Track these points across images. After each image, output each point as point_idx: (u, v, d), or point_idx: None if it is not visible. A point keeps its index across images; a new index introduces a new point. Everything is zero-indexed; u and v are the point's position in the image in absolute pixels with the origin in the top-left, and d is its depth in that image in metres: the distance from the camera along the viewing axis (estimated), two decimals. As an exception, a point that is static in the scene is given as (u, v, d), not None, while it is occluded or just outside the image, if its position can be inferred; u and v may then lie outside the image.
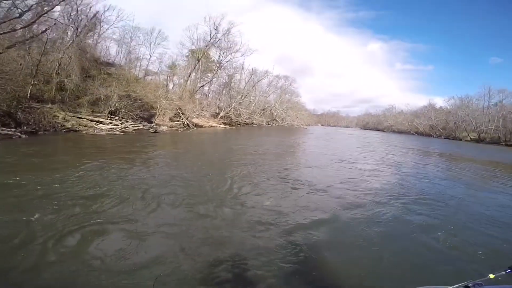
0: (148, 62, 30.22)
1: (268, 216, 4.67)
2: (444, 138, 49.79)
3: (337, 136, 34.31)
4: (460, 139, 46.69)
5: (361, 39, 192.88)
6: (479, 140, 43.78)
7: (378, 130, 70.02)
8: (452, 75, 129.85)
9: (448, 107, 55.81)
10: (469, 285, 0.88)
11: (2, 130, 10.45)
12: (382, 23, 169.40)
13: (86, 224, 3.74)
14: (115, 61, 24.26)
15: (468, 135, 47.08)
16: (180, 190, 5.84)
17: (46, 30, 13.11)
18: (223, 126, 31.17)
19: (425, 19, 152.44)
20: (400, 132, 63.30)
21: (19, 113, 12.11)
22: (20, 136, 10.93)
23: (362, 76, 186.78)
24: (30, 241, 3.21)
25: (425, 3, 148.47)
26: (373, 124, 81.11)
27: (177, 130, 22.15)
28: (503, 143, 39.50)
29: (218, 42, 32.50)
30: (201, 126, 27.07)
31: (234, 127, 32.50)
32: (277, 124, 44.52)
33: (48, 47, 14.30)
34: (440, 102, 75.23)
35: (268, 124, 42.86)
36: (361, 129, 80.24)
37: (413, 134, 58.36)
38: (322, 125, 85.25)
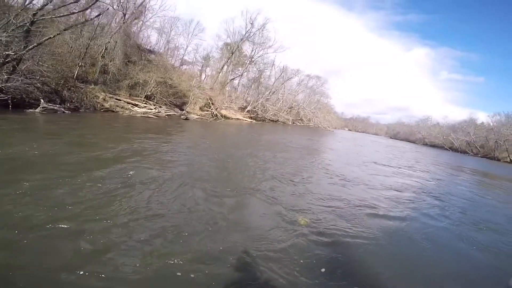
0: (185, 52, 31.22)
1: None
2: (481, 157, 46.48)
3: (365, 142, 33.51)
4: (499, 160, 43.31)
5: (406, 43, 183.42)
6: (520, 162, 40.39)
7: (409, 141, 66.75)
8: (505, 90, 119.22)
9: (491, 124, 51.40)
10: None
11: (49, 105, 11.30)
12: (432, 28, 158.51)
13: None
14: (155, 49, 25.32)
15: (508, 156, 43.49)
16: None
17: (100, 14, 13.97)
18: (249, 120, 31.50)
19: (482, 26, 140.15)
20: (433, 145, 59.88)
21: (65, 91, 13.05)
22: (64, 112, 11.84)
23: (400, 82, 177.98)
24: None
25: (484, 9, 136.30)
26: (404, 134, 77.24)
27: (207, 119, 22.88)
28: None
29: (253, 36, 32.66)
30: (228, 118, 27.55)
31: (259, 122, 32.79)
32: (302, 124, 43.97)
33: (97, 32, 15.27)
34: (482, 117, 69.94)
35: (294, 123, 42.41)
36: (391, 138, 76.96)
37: (447, 149, 55.03)
38: (349, 130, 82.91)
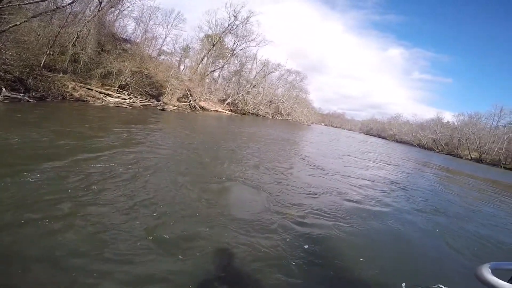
0: (163, 42, 30.09)
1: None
2: (446, 154, 49.89)
3: (341, 137, 34.82)
4: (461, 157, 46.79)
5: (382, 43, 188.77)
6: (479, 160, 43.91)
7: (381, 137, 69.95)
8: (470, 92, 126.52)
9: (456, 123, 55.23)
10: None
11: (11, 93, 10.66)
12: (408, 29, 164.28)
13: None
14: (131, 38, 24.23)
15: (469, 153, 47.10)
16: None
17: (73, 2, 13.06)
18: (229, 112, 31.40)
19: (456, 29, 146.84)
20: (403, 142, 63.30)
21: (30, 80, 12.25)
22: (28, 101, 11.15)
23: (375, 81, 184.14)
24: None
25: (460, 14, 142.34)
26: (377, 130, 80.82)
27: (184, 110, 22.52)
28: (502, 166, 39.80)
29: (235, 29, 32.27)
30: (207, 110, 27.28)
31: (239, 115, 32.77)
32: (281, 118, 44.53)
33: (69, 20, 14.31)
34: (448, 117, 74.64)
35: (273, 116, 42.84)
36: (364, 134, 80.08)
37: (415, 146, 58.39)
38: (326, 125, 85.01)
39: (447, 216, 6.02)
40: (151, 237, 2.88)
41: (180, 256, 2.68)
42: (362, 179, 8.20)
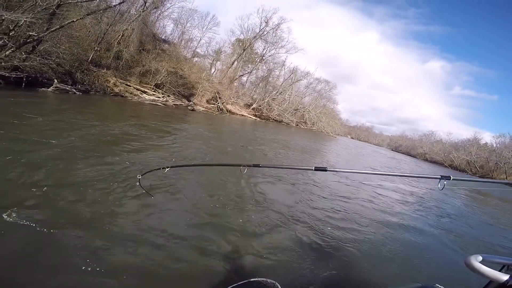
0: (198, 44, 31.15)
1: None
2: (479, 176, 46.55)
3: (367, 151, 33.95)
4: (496, 182, 43.33)
5: (423, 54, 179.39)
6: (517, 186, 40.44)
7: (410, 155, 66.65)
8: None
9: (495, 145, 51.13)
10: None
11: (61, 85, 11.60)
12: (453, 41, 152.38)
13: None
14: (169, 39, 25.36)
15: (506, 177, 43.58)
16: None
17: (123, 1, 14.11)
18: (254, 117, 31.67)
19: (506, 42, 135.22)
20: (433, 161, 59.89)
21: (78, 73, 13.31)
22: (75, 93, 12.12)
23: (409, 95, 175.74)
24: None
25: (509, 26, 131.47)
26: (406, 148, 76.97)
27: (212, 112, 23.11)
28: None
29: (266, 35, 32.76)
30: (233, 113, 27.71)
31: (263, 121, 32.89)
32: (306, 127, 44.00)
33: (116, 18, 15.48)
34: (487, 137, 69.56)
35: (297, 125, 42.41)
36: (392, 150, 76.89)
37: (446, 166, 55.04)
38: (352, 138, 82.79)
39: (459, 226, 6.30)
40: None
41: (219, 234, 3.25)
42: (382, 189, 8.52)
